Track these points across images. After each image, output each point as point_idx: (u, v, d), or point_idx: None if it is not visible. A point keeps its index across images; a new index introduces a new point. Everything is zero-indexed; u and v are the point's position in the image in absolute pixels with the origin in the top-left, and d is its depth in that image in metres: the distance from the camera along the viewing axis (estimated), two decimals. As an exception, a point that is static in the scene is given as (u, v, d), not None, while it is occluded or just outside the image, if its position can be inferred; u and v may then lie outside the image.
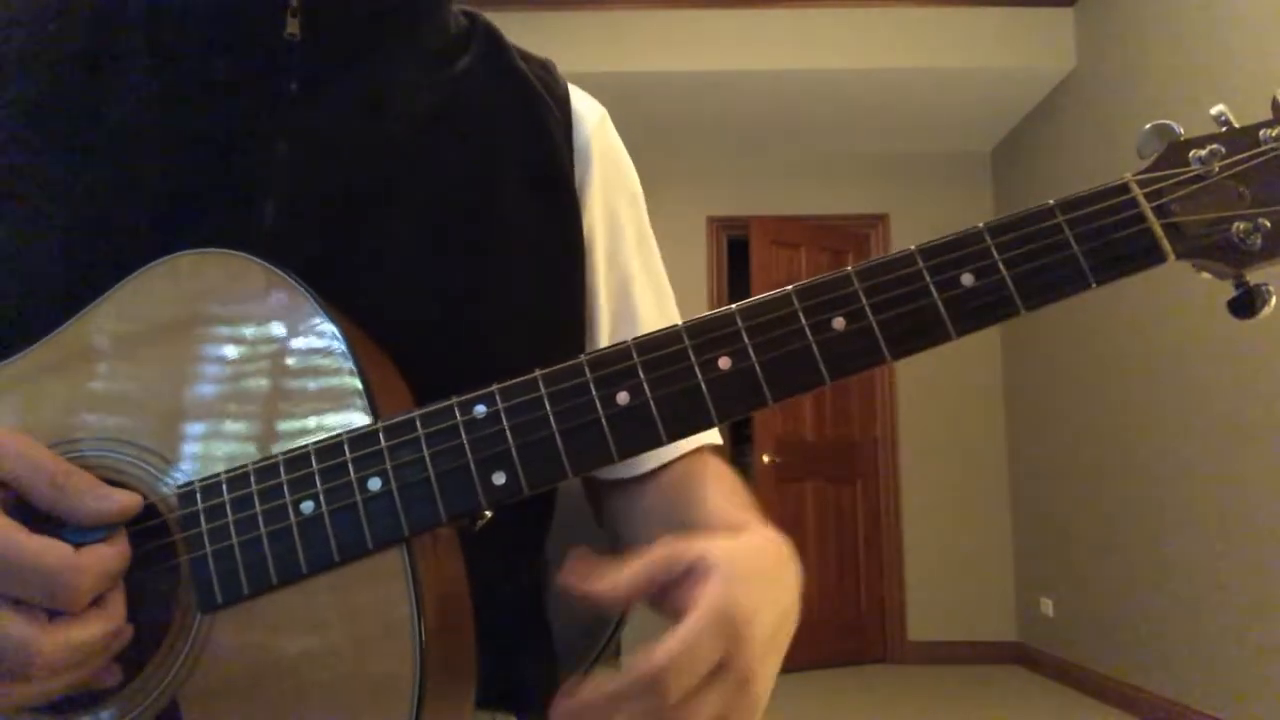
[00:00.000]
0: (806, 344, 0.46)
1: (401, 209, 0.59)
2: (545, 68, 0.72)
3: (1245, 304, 0.46)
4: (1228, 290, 0.47)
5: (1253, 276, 0.46)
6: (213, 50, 0.59)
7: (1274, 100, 0.46)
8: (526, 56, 0.71)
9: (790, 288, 0.46)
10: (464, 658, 0.51)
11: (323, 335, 0.49)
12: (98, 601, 0.44)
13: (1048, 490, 4.37)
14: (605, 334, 0.69)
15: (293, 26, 0.59)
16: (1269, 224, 0.45)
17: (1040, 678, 4.29)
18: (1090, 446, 3.94)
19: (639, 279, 0.72)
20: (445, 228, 0.60)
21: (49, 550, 0.42)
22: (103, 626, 0.43)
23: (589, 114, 0.72)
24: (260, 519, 0.47)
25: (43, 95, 0.57)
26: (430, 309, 0.59)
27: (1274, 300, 0.45)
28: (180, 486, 0.47)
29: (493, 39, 0.69)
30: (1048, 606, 4.34)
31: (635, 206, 0.74)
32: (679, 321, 0.73)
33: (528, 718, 0.66)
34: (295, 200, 0.57)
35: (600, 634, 0.85)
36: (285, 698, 0.45)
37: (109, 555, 0.44)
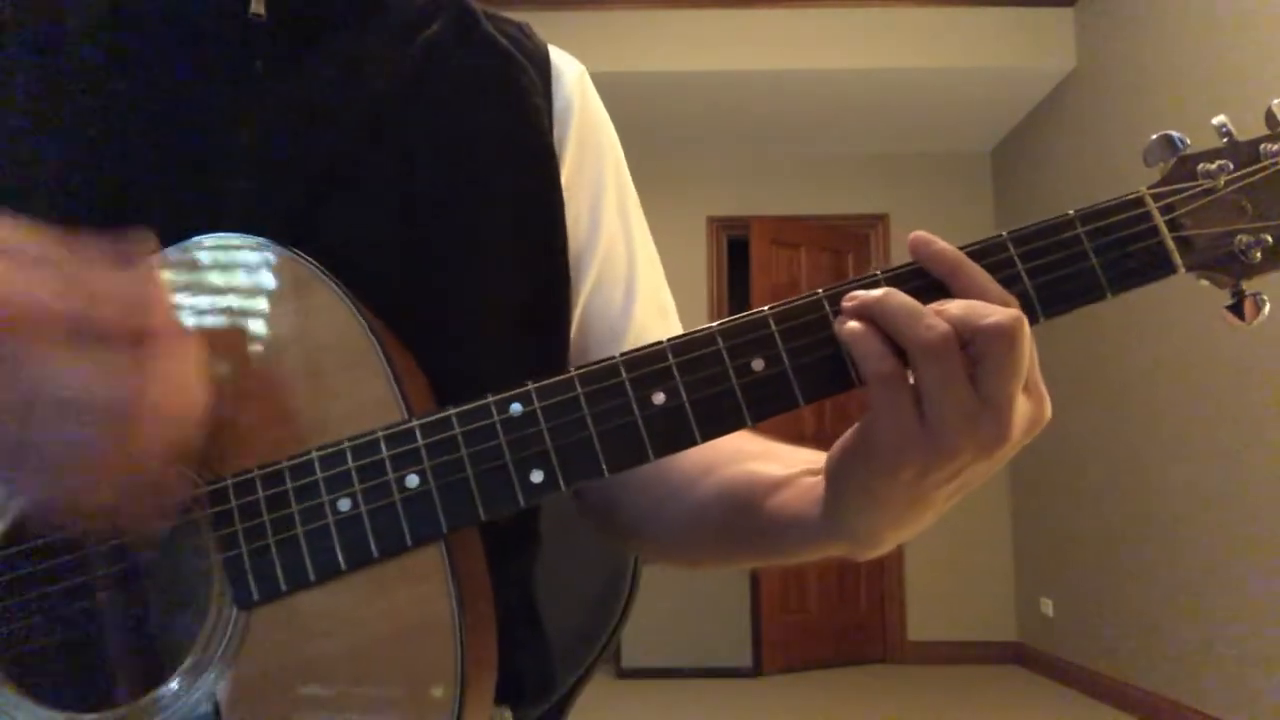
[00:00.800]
0: (837, 350, 0.46)
1: (373, 180, 0.59)
2: (520, 29, 0.71)
3: (1242, 311, 0.47)
4: (1227, 295, 0.48)
5: (1249, 286, 0.48)
6: (177, 32, 0.59)
7: (1269, 113, 0.48)
8: (498, 20, 0.71)
9: (821, 292, 0.47)
10: (490, 651, 0.51)
11: (349, 326, 0.49)
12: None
13: (1048, 490, 4.37)
14: (586, 293, 0.69)
15: (257, 6, 0.59)
16: (1270, 238, 0.47)
17: (1040, 678, 4.29)
18: (1090, 447, 3.94)
19: (621, 235, 0.71)
20: (418, 196, 0.60)
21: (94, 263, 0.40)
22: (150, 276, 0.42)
23: (568, 71, 0.72)
24: (297, 517, 0.46)
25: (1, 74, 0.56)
26: (409, 281, 0.59)
27: (1268, 308, 0.47)
28: (212, 483, 0.47)
29: (461, 7, 0.69)
30: (1048, 606, 4.34)
31: (617, 165, 0.74)
32: (657, 266, 0.72)
33: (523, 712, 0.66)
34: (263, 178, 0.57)
35: (599, 634, 0.85)
36: (325, 695, 0.45)
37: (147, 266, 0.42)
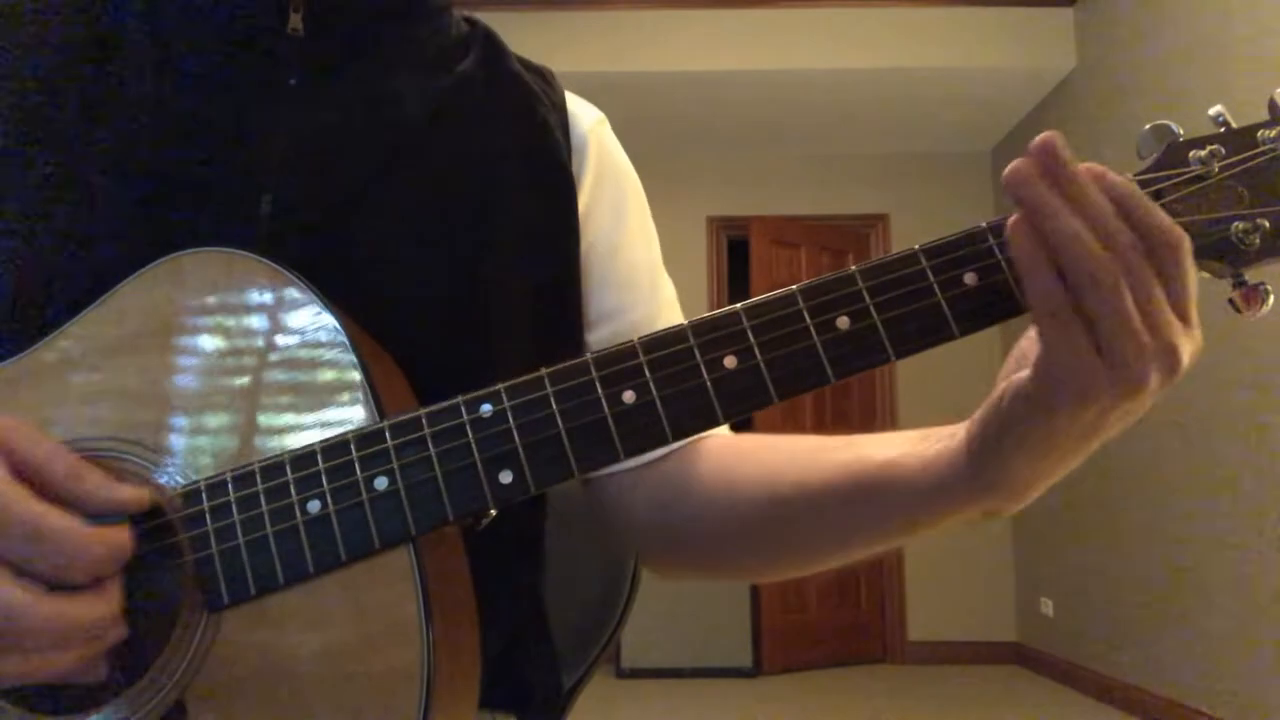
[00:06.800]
0: (811, 343, 0.46)
1: (397, 206, 0.60)
2: (543, 75, 0.73)
3: (1242, 302, 0.46)
4: (1229, 287, 0.47)
5: (1250, 275, 0.46)
6: (214, 43, 0.59)
7: (1271, 101, 0.46)
8: (525, 64, 0.72)
9: (795, 287, 0.47)
10: (469, 656, 0.51)
11: (326, 334, 0.50)
12: (95, 587, 0.43)
13: (1047, 490, 4.36)
14: (602, 325, 0.69)
15: (295, 21, 0.59)
16: (1267, 224, 0.45)
17: (1040, 678, 4.29)
18: (1090, 446, 3.93)
19: (644, 261, 0.71)
20: (440, 224, 0.61)
21: (60, 517, 0.42)
22: (99, 609, 0.43)
23: (585, 115, 0.72)
24: (266, 518, 0.46)
25: (43, 87, 0.57)
26: (426, 302, 0.59)
27: (1272, 299, 0.45)
28: (185, 486, 0.47)
29: (492, 44, 0.70)
30: (1048, 606, 4.34)
31: (640, 203, 0.74)
32: (676, 307, 0.73)
33: (528, 718, 0.66)
34: (292, 195, 0.57)
35: (599, 634, 0.85)
36: (293, 698, 0.45)
37: (117, 536, 0.44)
